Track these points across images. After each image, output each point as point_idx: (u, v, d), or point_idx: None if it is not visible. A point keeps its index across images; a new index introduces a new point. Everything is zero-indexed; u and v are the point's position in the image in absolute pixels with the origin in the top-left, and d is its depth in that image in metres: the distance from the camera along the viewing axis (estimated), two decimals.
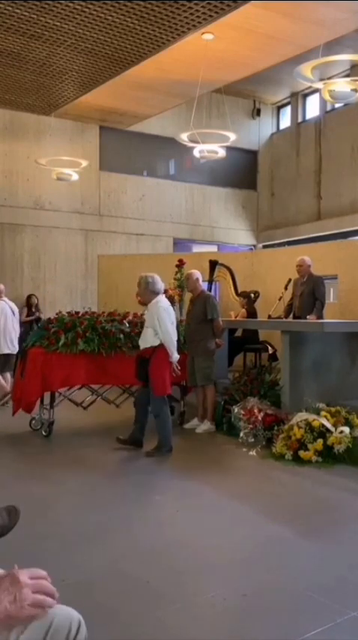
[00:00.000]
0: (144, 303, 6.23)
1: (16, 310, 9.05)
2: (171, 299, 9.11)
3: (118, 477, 5.16)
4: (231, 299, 9.55)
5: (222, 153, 10.32)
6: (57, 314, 6.97)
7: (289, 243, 14.49)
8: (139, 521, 4.14)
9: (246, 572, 3.39)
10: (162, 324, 5.94)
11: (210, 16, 8.35)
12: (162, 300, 6.12)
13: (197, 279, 7.24)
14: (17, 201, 13.14)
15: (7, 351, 8.31)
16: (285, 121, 16.11)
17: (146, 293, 6.14)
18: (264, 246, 15.66)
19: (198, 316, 7.10)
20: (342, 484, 5.07)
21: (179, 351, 6.24)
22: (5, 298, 8.77)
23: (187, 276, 7.48)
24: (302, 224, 15.04)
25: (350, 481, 5.14)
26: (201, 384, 7.02)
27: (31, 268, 13.39)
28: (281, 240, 15.18)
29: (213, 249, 14.84)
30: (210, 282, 9.70)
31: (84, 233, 13.90)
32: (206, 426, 7.03)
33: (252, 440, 6.15)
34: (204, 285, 10.24)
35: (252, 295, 9.22)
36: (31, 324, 11.91)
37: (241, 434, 6.29)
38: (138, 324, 7.04)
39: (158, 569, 3.37)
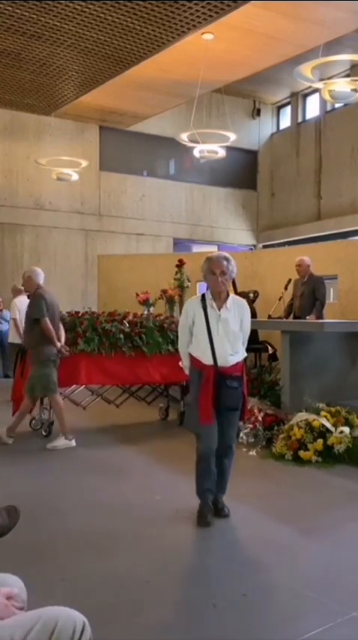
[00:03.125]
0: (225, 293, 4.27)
1: None
2: (170, 299, 9.14)
3: (118, 477, 5.16)
4: None
5: (222, 153, 10.32)
6: None
7: (289, 243, 14.49)
8: (139, 521, 4.13)
9: (246, 572, 3.39)
10: (249, 328, 4.33)
11: (210, 16, 8.35)
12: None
13: (29, 277, 6.28)
14: (17, 201, 13.15)
15: None
16: (285, 121, 16.11)
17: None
18: (264, 246, 15.67)
19: (29, 318, 6.22)
20: (342, 484, 5.06)
21: None
22: None
23: (23, 274, 6.47)
24: (302, 224, 15.04)
25: (350, 481, 5.14)
26: (40, 394, 6.26)
27: None
28: (282, 240, 15.18)
29: (213, 249, 14.84)
30: None
31: (84, 233, 13.90)
32: (60, 441, 6.14)
33: (252, 440, 6.15)
34: (203, 285, 10.21)
35: (251, 295, 9.22)
36: None
37: (241, 434, 6.29)
38: (137, 324, 7.04)
39: (158, 569, 3.37)
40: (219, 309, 4.12)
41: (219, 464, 4.17)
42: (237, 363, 4.13)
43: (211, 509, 4.12)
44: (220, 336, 4.08)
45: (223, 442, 4.13)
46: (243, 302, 4.32)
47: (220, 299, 4.15)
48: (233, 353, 4.11)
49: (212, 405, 4.02)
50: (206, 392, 4.04)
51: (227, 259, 4.12)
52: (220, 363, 4.05)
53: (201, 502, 4.14)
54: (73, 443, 6.16)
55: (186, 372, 4.30)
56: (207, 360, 4.07)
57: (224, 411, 4.07)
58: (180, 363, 4.40)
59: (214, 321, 4.10)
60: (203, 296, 4.20)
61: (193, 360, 4.18)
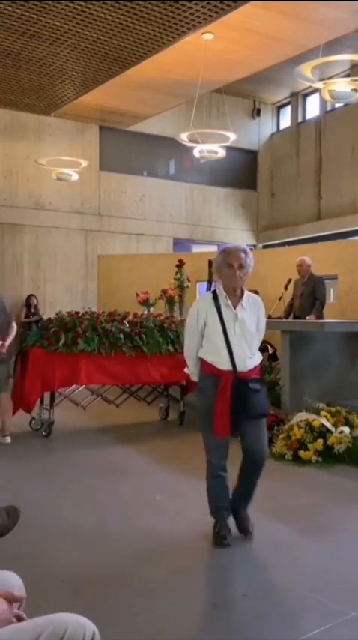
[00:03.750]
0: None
1: None
2: (170, 299, 9.15)
3: (118, 477, 5.16)
4: None
5: (222, 153, 10.32)
6: (57, 314, 6.97)
7: (289, 243, 14.49)
8: (139, 521, 4.13)
9: (246, 572, 3.39)
10: (264, 328, 3.94)
11: (210, 16, 8.35)
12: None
13: None
14: (17, 201, 13.14)
15: None
16: (285, 121, 16.11)
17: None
18: (264, 246, 15.66)
19: None
20: (342, 484, 5.06)
21: None
22: None
23: None
24: (302, 224, 15.04)
25: (350, 481, 5.14)
26: None
27: (31, 268, 13.38)
28: (282, 240, 15.18)
29: (213, 249, 14.83)
30: (210, 281, 9.72)
31: (84, 233, 13.90)
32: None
33: None
34: (203, 285, 10.23)
35: None
36: (31, 325, 11.92)
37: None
38: (137, 324, 7.04)
39: (158, 569, 3.37)
40: (235, 308, 3.70)
41: (249, 480, 3.77)
42: (255, 367, 3.75)
43: (229, 529, 3.71)
44: (237, 338, 3.66)
45: (255, 456, 3.70)
46: (258, 298, 3.88)
47: (235, 296, 3.71)
48: (251, 356, 3.72)
49: (229, 415, 3.60)
50: (223, 401, 3.59)
51: (245, 252, 3.68)
52: (239, 367, 3.64)
53: (216, 521, 3.76)
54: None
55: (194, 378, 3.89)
56: (224, 365, 3.65)
57: (249, 420, 3.63)
58: (186, 370, 3.97)
59: (230, 321, 3.67)
60: (214, 293, 3.76)
61: (206, 365, 3.74)
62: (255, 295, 3.90)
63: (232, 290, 3.70)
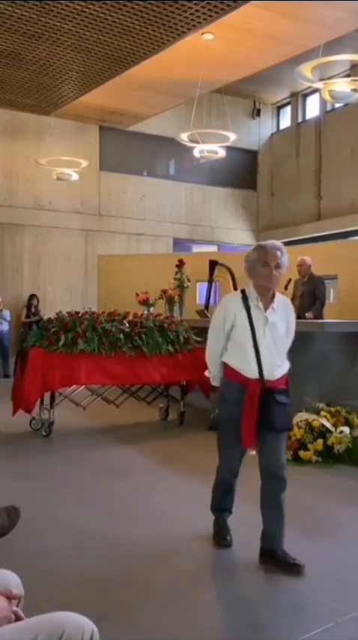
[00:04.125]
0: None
1: None
2: (170, 299, 9.14)
3: (118, 478, 5.16)
4: None
5: (222, 153, 10.33)
6: (57, 314, 6.97)
7: (289, 243, 14.48)
8: (139, 521, 4.13)
9: (247, 572, 3.39)
10: (293, 333, 3.63)
11: (210, 16, 8.35)
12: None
13: None
14: (17, 201, 13.15)
15: None
16: (285, 121, 16.12)
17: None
18: None
19: None
20: (342, 484, 5.06)
21: None
22: None
23: None
24: (302, 224, 15.05)
25: (350, 481, 5.13)
26: None
27: (31, 268, 13.39)
28: (282, 241, 15.07)
29: (213, 249, 14.86)
30: (210, 282, 9.72)
31: (84, 233, 13.91)
32: None
33: None
34: (204, 285, 10.21)
35: None
36: (31, 325, 11.92)
37: None
38: (137, 324, 7.03)
39: (158, 569, 3.37)
40: (265, 310, 3.42)
41: (272, 502, 3.44)
42: (283, 376, 3.46)
43: (229, 529, 3.68)
44: (267, 343, 3.38)
45: (272, 472, 3.43)
46: (289, 302, 3.62)
47: (267, 298, 3.42)
48: (280, 363, 3.43)
49: (256, 426, 3.36)
50: (251, 411, 3.34)
51: (280, 250, 3.41)
52: (266, 376, 3.37)
53: (216, 519, 3.74)
54: None
55: (215, 383, 3.64)
56: (251, 373, 3.38)
57: (269, 433, 3.38)
58: (206, 373, 3.69)
59: (260, 324, 3.39)
60: (243, 293, 3.48)
61: (230, 371, 3.48)
62: (286, 298, 3.66)
63: (265, 291, 3.42)
